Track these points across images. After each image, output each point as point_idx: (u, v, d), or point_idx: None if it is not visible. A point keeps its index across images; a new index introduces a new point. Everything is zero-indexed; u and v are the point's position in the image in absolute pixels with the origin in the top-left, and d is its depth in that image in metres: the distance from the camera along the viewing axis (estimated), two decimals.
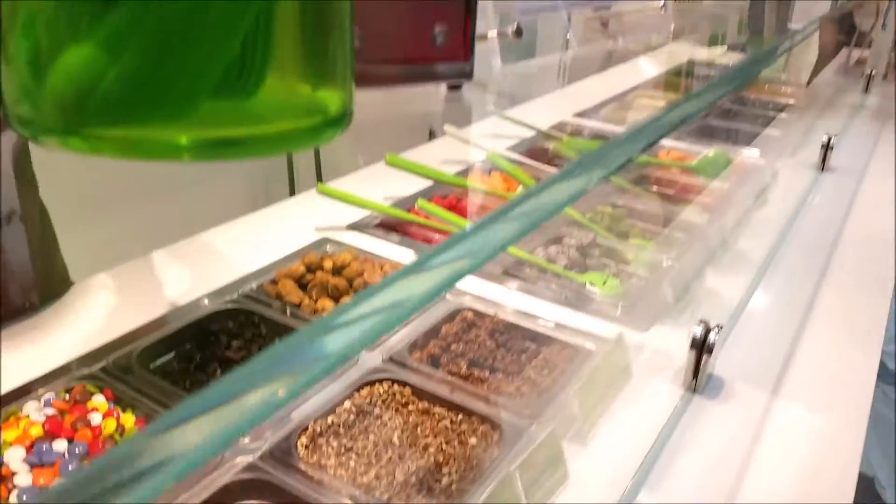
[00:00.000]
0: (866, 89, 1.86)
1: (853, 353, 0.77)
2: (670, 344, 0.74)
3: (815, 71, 1.96)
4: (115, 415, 0.60)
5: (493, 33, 0.47)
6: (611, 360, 0.67)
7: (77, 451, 0.55)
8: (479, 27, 0.44)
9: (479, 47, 0.43)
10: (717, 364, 0.71)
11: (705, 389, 0.68)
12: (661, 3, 0.58)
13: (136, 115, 0.31)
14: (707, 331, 0.67)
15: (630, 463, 0.58)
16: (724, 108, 1.61)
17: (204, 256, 0.86)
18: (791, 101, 1.68)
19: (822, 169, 1.29)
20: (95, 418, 0.59)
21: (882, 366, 2.07)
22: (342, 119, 0.35)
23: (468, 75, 0.41)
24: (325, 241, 0.91)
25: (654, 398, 0.66)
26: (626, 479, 0.56)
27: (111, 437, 0.58)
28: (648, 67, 1.71)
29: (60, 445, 0.56)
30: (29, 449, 0.55)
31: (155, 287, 0.79)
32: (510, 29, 0.47)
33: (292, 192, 1.42)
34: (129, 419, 0.60)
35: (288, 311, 0.78)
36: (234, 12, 0.30)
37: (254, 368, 0.24)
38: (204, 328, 0.76)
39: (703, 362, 0.67)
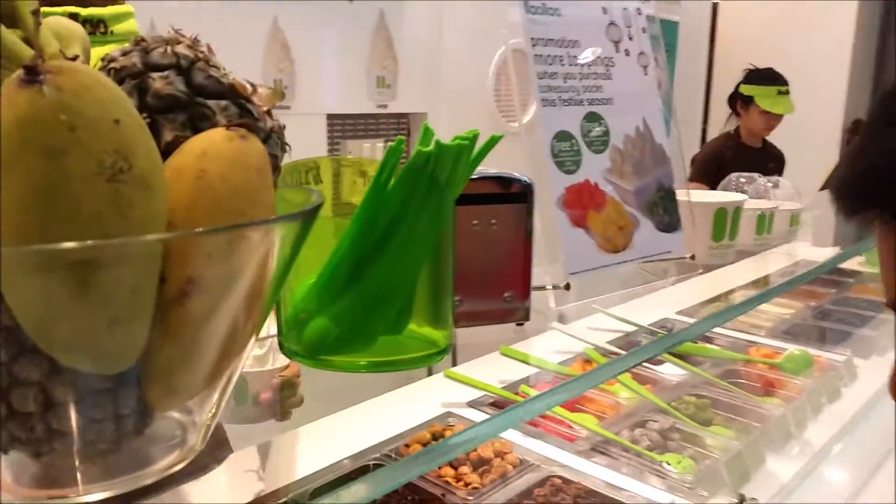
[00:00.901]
0: None
1: None
2: None
3: None
4: None
5: (549, 286, 0.72)
6: None
7: None
8: (539, 282, 0.72)
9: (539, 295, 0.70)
10: None
11: None
12: (689, 255, 0.77)
13: (342, 351, 0.61)
14: (742, 501, 0.83)
15: None
16: (823, 308, 1.75)
17: (359, 424, 1.14)
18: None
19: None
20: None
21: None
22: (447, 349, 0.63)
23: (527, 317, 0.68)
24: (448, 414, 1.17)
25: None
26: None
27: None
28: (760, 267, 1.86)
29: None
30: None
31: (317, 447, 1.07)
32: (562, 284, 0.73)
33: (429, 373, 1.69)
34: None
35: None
36: (402, 296, 0.60)
37: None
38: (352, 479, 1.02)
39: None
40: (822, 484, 1.01)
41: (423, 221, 0.55)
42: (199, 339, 0.39)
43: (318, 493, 0.97)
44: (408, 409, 1.19)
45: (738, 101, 2.70)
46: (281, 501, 0.93)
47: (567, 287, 0.74)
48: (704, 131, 4.26)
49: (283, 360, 0.81)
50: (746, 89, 2.65)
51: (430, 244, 0.57)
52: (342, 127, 2.21)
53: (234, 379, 0.45)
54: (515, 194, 0.62)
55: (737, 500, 0.84)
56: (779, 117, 2.67)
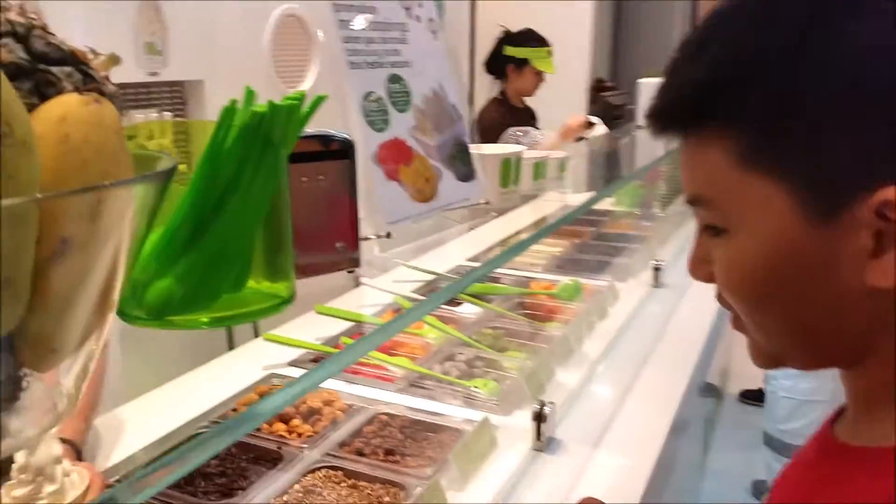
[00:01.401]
0: None
1: (654, 417, 1.10)
2: (526, 421, 1.04)
3: (664, 204, 2.42)
4: None
5: (373, 236, 0.79)
6: (479, 435, 0.98)
7: None
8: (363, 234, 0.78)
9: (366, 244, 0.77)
10: (559, 430, 1.03)
11: (547, 448, 0.99)
12: (485, 200, 0.88)
13: (185, 311, 0.63)
14: (542, 406, 0.99)
15: (493, 498, 0.87)
16: (586, 243, 2.02)
17: (184, 396, 1.14)
18: (642, 233, 2.10)
19: (656, 286, 1.68)
20: None
21: (779, 441, 2.40)
22: (289, 299, 0.67)
23: (357, 264, 0.74)
24: (272, 376, 1.20)
25: (510, 457, 0.96)
26: None
27: None
28: (529, 215, 2.09)
29: None
30: None
31: (146, 421, 1.05)
32: (384, 233, 0.80)
33: (231, 347, 1.64)
34: None
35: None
36: (243, 252, 0.63)
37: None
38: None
39: (541, 429, 0.98)
40: (601, 384, 1.21)
41: (260, 179, 0.59)
42: (75, 297, 0.41)
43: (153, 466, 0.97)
44: (231, 376, 1.20)
45: (508, 64, 2.88)
46: (114, 479, 0.91)
47: (388, 235, 0.82)
48: (472, 94, 4.54)
49: (80, 484, 0.74)
50: (518, 52, 2.85)
51: (268, 201, 0.61)
52: None
53: (104, 335, 0.46)
54: (338, 151, 0.68)
55: (538, 406, 0.98)
56: (543, 76, 2.92)
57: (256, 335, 1.69)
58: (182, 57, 2.23)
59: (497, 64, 2.94)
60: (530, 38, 2.88)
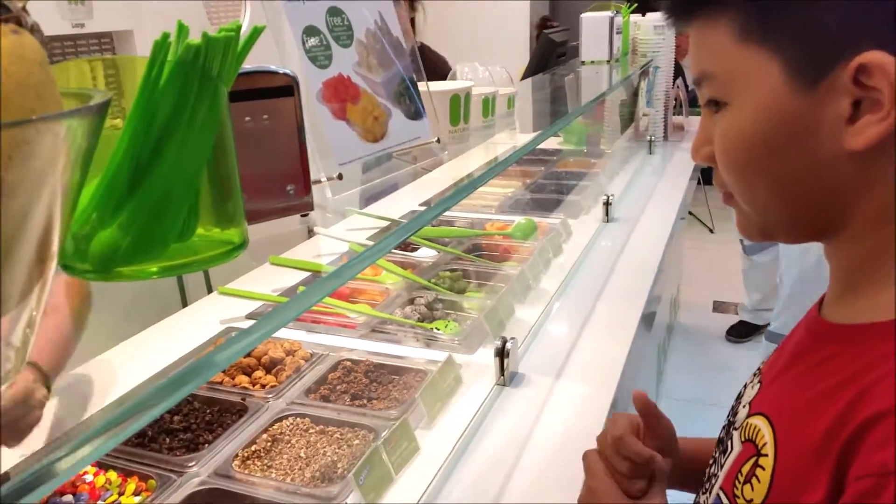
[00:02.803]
0: (650, 151, 2.35)
1: (611, 346, 1.12)
2: (489, 358, 1.05)
3: (611, 140, 2.44)
4: (101, 474, 0.84)
5: (324, 178, 0.76)
6: (444, 374, 0.98)
7: (82, 500, 0.79)
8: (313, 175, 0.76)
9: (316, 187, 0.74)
10: (521, 365, 1.04)
11: (511, 382, 1.00)
12: (436, 139, 0.86)
13: (132, 261, 0.60)
14: (504, 343, 0.99)
15: (460, 431, 0.88)
16: (537, 183, 2.02)
17: (142, 353, 1.11)
18: (591, 170, 2.11)
19: (607, 220, 1.70)
20: (89, 478, 0.82)
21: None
22: (242, 245, 0.65)
23: (310, 208, 0.72)
24: (230, 329, 1.18)
25: (475, 392, 0.97)
26: (457, 444, 0.86)
27: (103, 486, 0.82)
28: (481, 156, 2.07)
29: (68, 498, 0.79)
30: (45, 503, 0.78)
31: (104, 380, 1.03)
32: (335, 175, 0.78)
33: (184, 304, 1.62)
34: (112, 475, 0.84)
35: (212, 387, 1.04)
36: (188, 196, 0.60)
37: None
38: None
39: (504, 364, 0.99)
40: (559, 319, 1.23)
41: (200, 117, 0.56)
42: (13, 245, 0.38)
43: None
44: (187, 332, 1.17)
45: None
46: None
47: (340, 177, 0.80)
48: None
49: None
50: None
51: (210, 140, 0.58)
52: None
53: (48, 286, 0.44)
54: (282, 88, 0.65)
55: (500, 343, 0.99)
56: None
57: (210, 291, 1.65)
58: (107, 7, 2.11)
59: None
60: None
